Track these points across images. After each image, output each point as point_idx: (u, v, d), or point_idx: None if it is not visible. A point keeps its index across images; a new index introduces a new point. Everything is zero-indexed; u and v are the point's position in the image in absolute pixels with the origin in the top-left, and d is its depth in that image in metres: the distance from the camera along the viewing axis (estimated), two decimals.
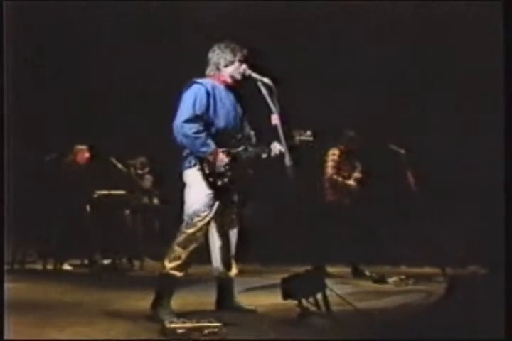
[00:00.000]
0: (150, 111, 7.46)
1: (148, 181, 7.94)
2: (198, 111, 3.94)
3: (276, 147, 4.06)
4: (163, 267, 3.93)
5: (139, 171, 7.89)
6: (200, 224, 3.92)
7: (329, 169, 6.58)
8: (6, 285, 3.49)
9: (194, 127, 3.88)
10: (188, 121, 3.88)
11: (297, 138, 4.07)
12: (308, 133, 4.11)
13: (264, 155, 4.10)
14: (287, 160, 3.89)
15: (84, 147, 7.39)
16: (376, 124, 7.53)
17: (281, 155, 3.98)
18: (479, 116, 7.16)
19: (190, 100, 3.95)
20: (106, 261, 7.03)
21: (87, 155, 7.37)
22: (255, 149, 4.11)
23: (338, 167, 6.60)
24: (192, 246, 3.91)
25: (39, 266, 6.78)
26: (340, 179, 6.57)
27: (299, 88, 6.95)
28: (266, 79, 3.98)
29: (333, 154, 6.62)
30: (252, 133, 4.23)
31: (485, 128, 6.79)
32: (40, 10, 6.82)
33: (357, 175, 6.68)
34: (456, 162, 7.43)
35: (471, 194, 7.36)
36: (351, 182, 6.63)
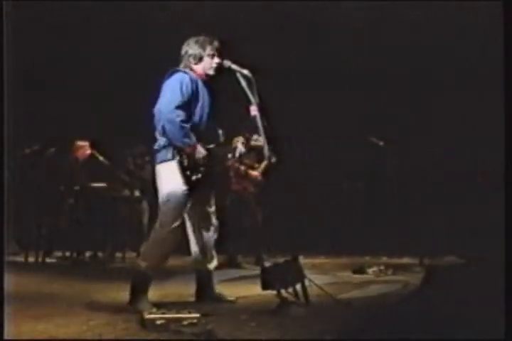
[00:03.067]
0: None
1: (147, 171, 7.71)
2: (186, 98, 3.86)
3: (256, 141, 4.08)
4: (137, 265, 3.94)
5: (139, 161, 7.65)
6: (175, 219, 3.90)
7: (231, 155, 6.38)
8: None
9: (182, 115, 3.81)
10: (178, 107, 3.80)
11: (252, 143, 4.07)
12: (258, 138, 4.08)
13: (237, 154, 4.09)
14: (266, 152, 3.90)
15: (85, 143, 7.31)
16: (357, 117, 7.58)
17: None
18: (472, 111, 7.20)
19: (177, 87, 3.86)
20: (87, 253, 7.03)
21: (88, 151, 7.31)
22: (224, 147, 4.11)
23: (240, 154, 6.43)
24: (166, 244, 3.92)
25: (20, 258, 6.76)
26: (242, 167, 6.24)
27: (277, 80, 6.94)
28: (245, 71, 3.93)
29: (237, 141, 6.35)
30: (220, 131, 4.15)
31: (472, 124, 6.87)
32: (40, 10, 6.79)
33: (263, 165, 6.37)
34: (436, 153, 7.50)
35: (451, 185, 7.43)
36: (255, 172, 6.36)
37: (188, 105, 3.88)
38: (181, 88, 3.85)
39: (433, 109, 7.77)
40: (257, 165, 6.39)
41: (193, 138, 3.84)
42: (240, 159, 6.17)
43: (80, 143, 7.31)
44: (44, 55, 7.73)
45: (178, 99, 3.82)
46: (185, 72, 3.96)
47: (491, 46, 4.80)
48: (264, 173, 6.42)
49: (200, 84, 4.01)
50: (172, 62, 4.10)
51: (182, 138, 3.80)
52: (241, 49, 4.33)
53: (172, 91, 3.86)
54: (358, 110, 7.71)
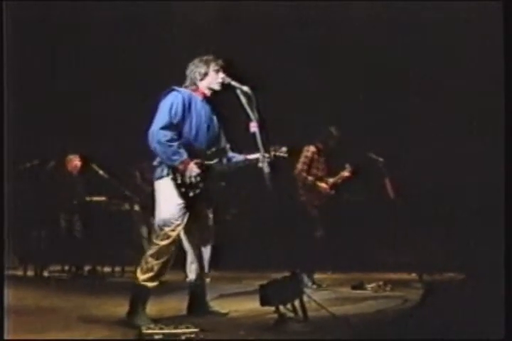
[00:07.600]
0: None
1: None
2: (174, 119, 3.97)
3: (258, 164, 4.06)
4: (136, 278, 3.94)
5: (148, 175, 7.64)
6: (172, 234, 3.94)
7: (299, 165, 6.14)
8: None
9: (169, 135, 3.91)
10: (164, 128, 3.92)
11: (272, 153, 4.10)
12: (284, 149, 4.15)
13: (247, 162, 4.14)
14: (265, 168, 3.92)
15: (75, 156, 7.40)
16: (357, 131, 7.56)
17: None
18: (470, 119, 7.17)
19: (167, 107, 3.98)
20: (86, 267, 7.03)
21: (77, 163, 7.37)
22: (231, 163, 4.16)
23: (309, 164, 6.17)
24: (165, 258, 3.94)
25: (20, 272, 6.76)
26: (310, 178, 6.16)
27: (278, 95, 6.93)
28: (245, 88, 4.00)
29: (307, 150, 6.18)
30: (228, 146, 4.25)
31: (473, 135, 6.85)
32: (40, 10, 6.79)
33: (342, 175, 6.32)
34: (437, 169, 7.49)
35: (451, 201, 7.42)
36: (323, 184, 6.23)
37: (178, 124, 3.98)
38: (171, 109, 3.97)
39: (432, 119, 7.72)
40: (327, 178, 6.28)
41: (184, 155, 3.92)
42: (309, 169, 6.19)
43: (71, 156, 7.40)
44: (51, 62, 7.71)
45: (165, 120, 3.94)
46: (179, 92, 4.06)
47: (491, 46, 4.79)
48: (335, 186, 6.29)
49: (199, 102, 4.11)
50: (179, 74, 4.19)
51: (171, 156, 3.91)
52: (242, 65, 4.36)
53: (162, 113, 3.98)
54: (358, 124, 7.69)
